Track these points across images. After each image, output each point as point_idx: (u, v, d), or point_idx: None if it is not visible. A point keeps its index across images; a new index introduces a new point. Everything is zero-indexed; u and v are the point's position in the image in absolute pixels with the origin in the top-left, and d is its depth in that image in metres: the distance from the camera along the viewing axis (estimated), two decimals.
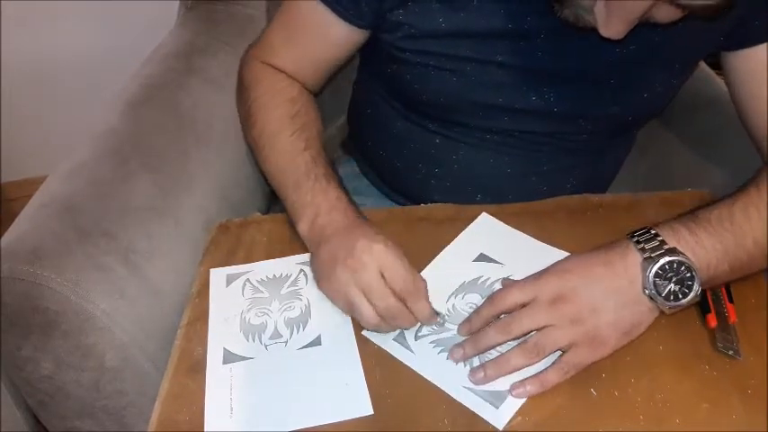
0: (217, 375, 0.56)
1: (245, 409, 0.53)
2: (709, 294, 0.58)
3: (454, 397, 0.53)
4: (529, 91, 0.68)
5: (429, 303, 0.57)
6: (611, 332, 0.53)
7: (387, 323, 0.57)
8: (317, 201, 0.63)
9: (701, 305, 0.58)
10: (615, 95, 0.68)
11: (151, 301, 0.64)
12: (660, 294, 0.52)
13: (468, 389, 0.53)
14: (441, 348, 0.57)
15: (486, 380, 0.53)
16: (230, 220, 0.72)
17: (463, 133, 0.73)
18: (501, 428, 0.51)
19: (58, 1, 1.37)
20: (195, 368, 0.56)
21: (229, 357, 0.57)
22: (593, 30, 0.54)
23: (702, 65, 0.90)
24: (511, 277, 0.62)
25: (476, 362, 0.55)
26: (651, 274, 0.52)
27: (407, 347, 0.57)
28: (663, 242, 0.53)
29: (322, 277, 0.60)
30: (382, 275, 0.56)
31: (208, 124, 0.81)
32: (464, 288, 0.62)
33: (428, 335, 0.58)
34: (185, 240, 0.70)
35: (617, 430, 0.50)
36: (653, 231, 0.54)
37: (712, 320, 0.56)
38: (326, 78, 0.78)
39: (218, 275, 0.65)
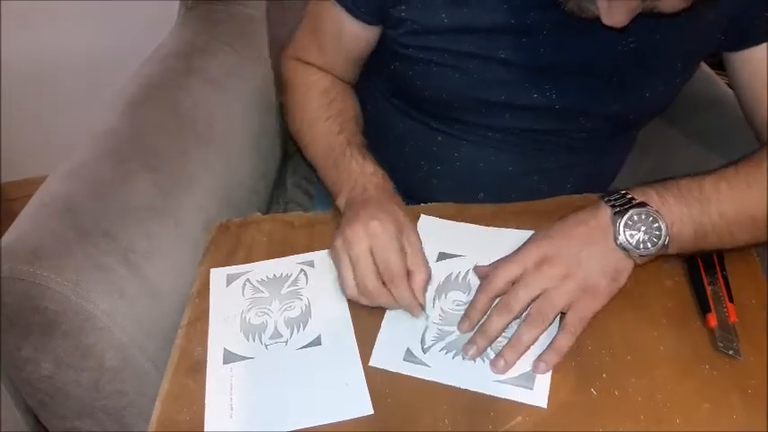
0: (217, 375, 0.56)
1: (246, 409, 0.53)
2: (709, 294, 0.58)
3: (488, 393, 0.53)
4: (531, 87, 0.68)
5: (410, 291, 0.57)
6: (601, 279, 0.56)
7: (368, 299, 0.58)
8: (353, 176, 0.67)
9: (702, 305, 0.58)
10: (617, 93, 0.68)
11: (151, 301, 0.64)
12: (631, 244, 0.55)
13: (498, 381, 0.54)
14: (453, 352, 0.56)
15: (508, 365, 0.54)
16: (230, 220, 0.72)
17: (465, 131, 0.73)
18: (545, 406, 0.51)
19: (58, 1, 1.37)
20: (195, 368, 0.56)
21: (229, 357, 0.57)
22: (597, 20, 0.54)
23: (703, 65, 0.89)
24: (478, 263, 0.62)
25: (491, 354, 0.56)
26: (621, 225, 0.55)
27: (421, 362, 0.56)
28: (632, 198, 0.57)
29: (333, 240, 0.62)
30: (372, 253, 0.57)
31: (208, 124, 0.81)
32: (442, 289, 0.62)
33: (434, 344, 0.57)
34: (185, 240, 0.70)
35: (617, 430, 0.50)
36: (622, 192, 0.58)
37: (712, 320, 0.56)
38: (357, 69, 0.80)
39: (218, 275, 0.65)
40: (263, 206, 0.89)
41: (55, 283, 0.58)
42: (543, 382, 0.53)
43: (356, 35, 0.73)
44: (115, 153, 0.72)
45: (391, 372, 0.55)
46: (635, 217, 0.55)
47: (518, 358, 0.54)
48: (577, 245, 0.56)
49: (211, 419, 0.52)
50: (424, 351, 0.57)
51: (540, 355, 0.54)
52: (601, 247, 0.56)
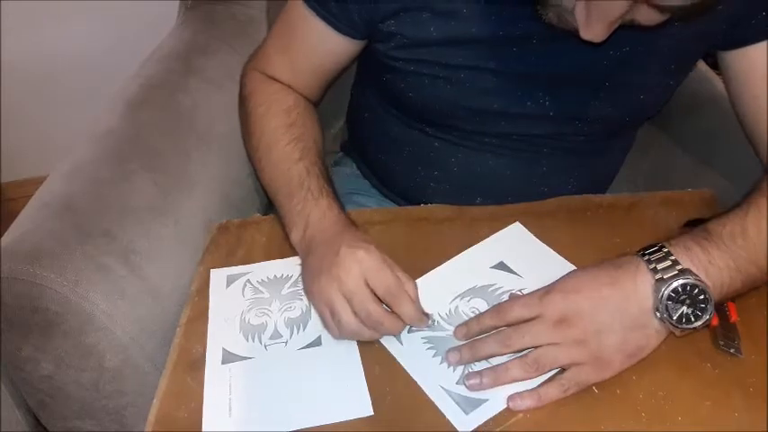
0: (216, 375, 0.56)
1: (245, 409, 0.53)
2: None
3: (427, 394, 0.53)
4: (524, 96, 0.67)
5: (415, 306, 0.56)
6: (616, 355, 0.52)
7: (372, 329, 0.56)
8: (307, 211, 0.63)
9: None
10: (611, 98, 0.68)
11: (151, 301, 0.64)
12: (672, 318, 0.51)
13: (445, 389, 0.53)
14: (430, 345, 0.57)
15: (481, 387, 0.53)
16: (230, 220, 0.72)
17: (461, 137, 0.73)
18: None
19: (58, 1, 1.37)
20: (194, 366, 0.56)
21: (228, 357, 0.57)
22: (577, 32, 0.53)
23: (701, 64, 0.89)
24: (523, 291, 0.60)
25: (459, 368, 0.55)
26: (664, 297, 0.51)
27: (398, 338, 0.57)
28: (675, 262, 0.52)
29: (308, 286, 0.60)
30: (366, 282, 0.55)
31: (208, 124, 0.81)
32: (472, 292, 0.61)
33: (420, 331, 0.58)
34: (185, 240, 0.70)
35: (619, 429, 0.50)
36: (665, 249, 0.53)
37: (713, 319, 0.56)
38: (323, 87, 0.78)
39: (218, 276, 0.65)
40: (262, 206, 0.89)
41: (55, 283, 0.58)
42: (480, 414, 0.51)
43: (337, 49, 0.72)
44: (115, 153, 0.72)
45: (377, 343, 0.57)
46: (679, 289, 0.50)
47: (494, 386, 0.53)
48: (605, 311, 0.52)
49: (210, 419, 0.52)
50: (408, 331, 0.58)
51: (525, 392, 0.52)
52: (629, 319, 0.52)
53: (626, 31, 0.54)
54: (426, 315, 0.57)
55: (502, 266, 0.64)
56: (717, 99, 0.87)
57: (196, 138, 0.79)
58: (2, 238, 0.61)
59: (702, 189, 0.73)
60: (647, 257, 0.53)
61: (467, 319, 0.58)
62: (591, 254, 0.58)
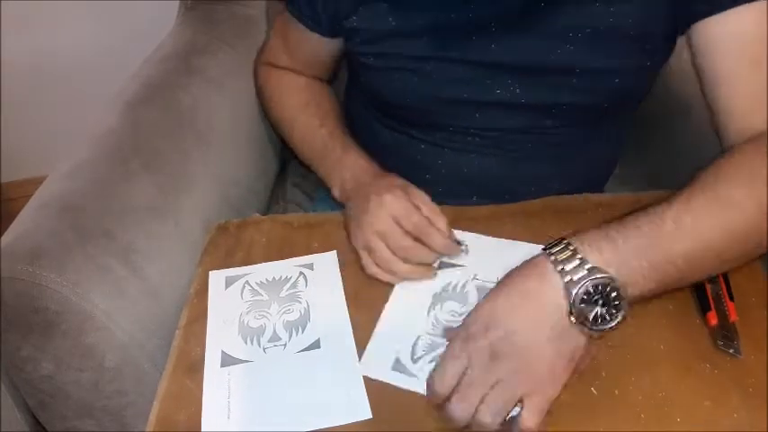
0: (215, 378, 0.55)
1: (243, 412, 0.53)
2: (709, 292, 0.58)
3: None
4: (492, 84, 0.67)
5: (442, 235, 0.62)
6: (557, 365, 0.49)
7: (406, 259, 0.61)
8: (339, 168, 0.71)
9: (702, 303, 0.58)
10: (583, 84, 0.66)
11: (151, 302, 0.64)
12: (588, 319, 0.48)
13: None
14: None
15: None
16: (229, 221, 0.72)
17: (445, 138, 0.73)
18: None
19: (57, 1, 1.37)
20: (194, 368, 0.56)
21: (227, 360, 0.57)
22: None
23: None
24: (477, 276, 0.63)
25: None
26: (577, 301, 0.48)
27: (409, 373, 0.55)
28: (584, 260, 0.49)
29: (350, 235, 0.66)
30: (397, 221, 0.61)
31: (208, 124, 0.81)
32: (438, 298, 0.61)
33: (425, 354, 0.56)
34: (185, 240, 0.70)
35: (618, 429, 0.50)
36: (571, 246, 0.49)
37: (713, 319, 0.56)
38: (330, 70, 0.83)
39: (217, 278, 0.65)
40: (262, 206, 0.89)
41: (55, 284, 0.58)
42: None
43: (318, 47, 0.77)
44: (115, 153, 0.72)
45: (378, 381, 0.54)
46: (591, 290, 0.48)
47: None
48: (528, 330, 0.49)
49: (209, 422, 0.52)
50: (414, 361, 0.56)
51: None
52: (553, 329, 0.49)
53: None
54: (458, 243, 0.63)
55: (444, 265, 0.64)
56: None
57: (196, 138, 0.79)
58: (2, 238, 0.61)
59: None
60: (552, 256, 0.50)
61: (452, 325, 0.58)
62: None
